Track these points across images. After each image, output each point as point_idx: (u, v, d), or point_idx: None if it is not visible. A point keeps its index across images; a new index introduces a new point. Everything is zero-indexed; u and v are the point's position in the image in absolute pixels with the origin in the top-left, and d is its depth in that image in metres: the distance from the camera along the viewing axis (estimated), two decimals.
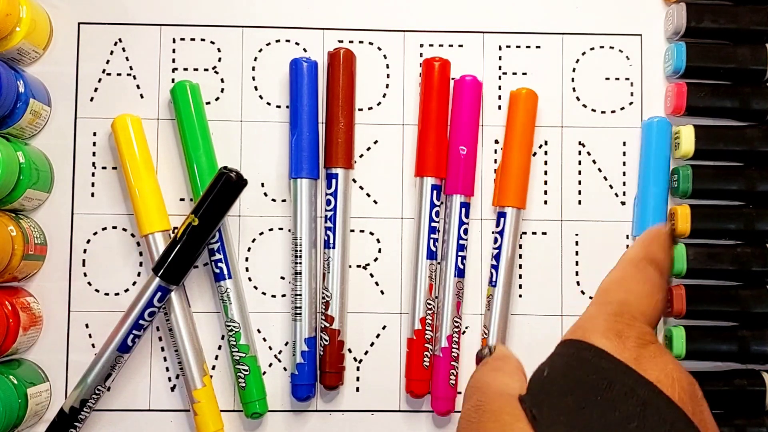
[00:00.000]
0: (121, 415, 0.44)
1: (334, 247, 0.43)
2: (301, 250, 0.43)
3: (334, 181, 0.44)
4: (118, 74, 0.45)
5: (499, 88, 0.45)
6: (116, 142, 0.43)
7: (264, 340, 0.44)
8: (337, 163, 0.43)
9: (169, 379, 0.44)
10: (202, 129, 0.43)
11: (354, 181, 0.45)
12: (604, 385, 0.28)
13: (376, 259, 0.45)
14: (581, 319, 0.31)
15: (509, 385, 0.30)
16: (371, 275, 0.45)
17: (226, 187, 0.41)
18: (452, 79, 0.45)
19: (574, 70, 0.46)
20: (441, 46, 0.45)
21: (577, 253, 0.45)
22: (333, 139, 0.44)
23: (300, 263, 0.43)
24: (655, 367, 0.28)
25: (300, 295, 0.43)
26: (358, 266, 0.45)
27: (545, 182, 0.45)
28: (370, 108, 0.45)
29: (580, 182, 0.45)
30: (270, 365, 0.44)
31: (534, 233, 0.45)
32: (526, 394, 0.29)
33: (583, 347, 0.30)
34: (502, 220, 0.44)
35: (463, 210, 0.44)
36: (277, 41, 0.45)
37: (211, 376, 0.44)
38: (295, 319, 0.43)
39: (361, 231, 0.45)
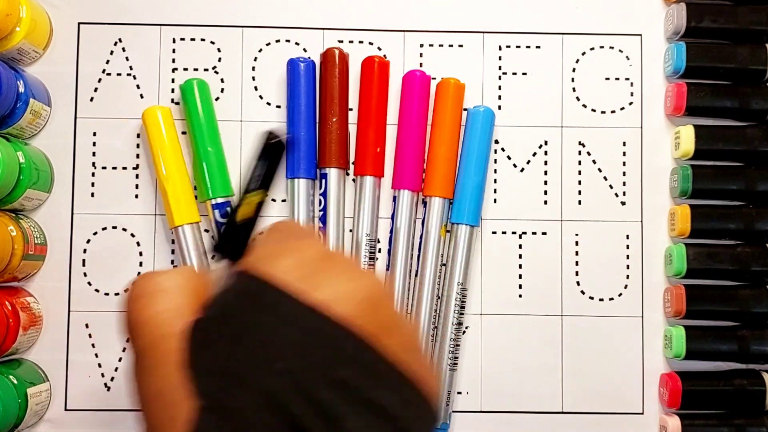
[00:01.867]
0: (121, 415, 0.44)
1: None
2: None
3: (324, 180, 0.43)
4: (118, 74, 0.45)
5: (499, 88, 0.45)
6: (147, 133, 0.43)
7: None
8: (330, 162, 0.43)
9: None
10: (211, 127, 0.43)
11: (354, 181, 0.45)
12: (262, 321, 0.26)
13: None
14: (253, 249, 0.29)
15: (167, 313, 0.27)
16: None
17: (280, 153, 0.41)
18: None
19: (574, 70, 0.46)
20: (441, 46, 0.45)
21: (577, 253, 0.45)
22: (324, 139, 0.43)
23: None
24: (325, 285, 0.27)
25: None
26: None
27: (545, 182, 0.45)
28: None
29: (580, 182, 0.45)
30: None
31: (534, 233, 0.45)
32: (191, 332, 0.27)
33: (249, 278, 0.27)
34: (427, 209, 0.44)
35: (406, 204, 0.43)
36: (277, 41, 0.45)
37: None
38: None
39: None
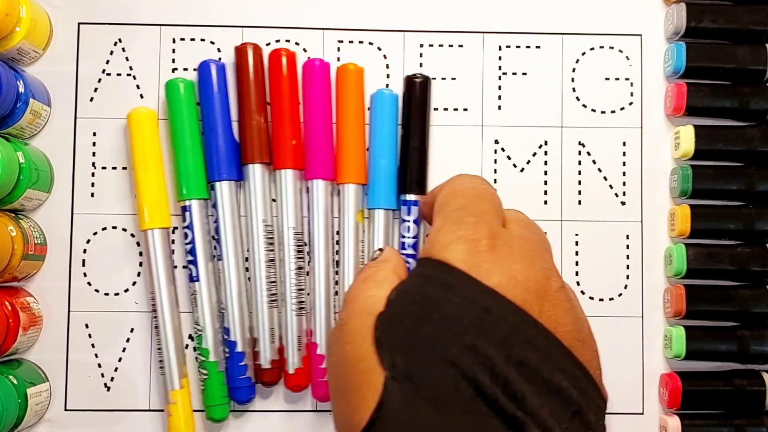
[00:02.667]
0: (121, 415, 0.44)
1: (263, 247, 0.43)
2: (221, 254, 0.43)
3: (251, 178, 0.43)
4: (118, 74, 0.45)
5: (499, 88, 0.45)
6: (129, 134, 0.43)
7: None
8: (252, 159, 0.43)
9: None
10: (192, 128, 0.43)
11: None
12: (443, 300, 0.28)
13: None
14: (430, 234, 0.31)
15: (375, 298, 0.30)
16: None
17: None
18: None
19: (574, 70, 0.46)
20: (441, 46, 0.45)
21: (577, 253, 0.45)
22: (244, 136, 0.43)
23: (224, 269, 0.43)
24: (498, 271, 0.29)
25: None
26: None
27: (545, 182, 0.45)
28: (369, 108, 0.45)
29: (580, 182, 0.45)
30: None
31: None
32: (382, 314, 0.30)
33: (428, 264, 0.30)
34: (342, 196, 0.43)
35: (318, 193, 0.43)
36: (277, 41, 0.45)
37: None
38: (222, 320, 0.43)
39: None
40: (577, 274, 0.45)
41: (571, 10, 0.46)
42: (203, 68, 0.43)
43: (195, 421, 0.43)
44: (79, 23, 0.45)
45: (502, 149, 0.45)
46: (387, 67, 0.45)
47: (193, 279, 0.43)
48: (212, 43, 0.45)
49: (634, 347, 0.45)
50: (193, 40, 0.45)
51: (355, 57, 0.45)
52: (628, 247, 0.45)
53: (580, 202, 0.45)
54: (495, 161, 0.45)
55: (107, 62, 0.45)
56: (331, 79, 0.44)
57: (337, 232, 0.44)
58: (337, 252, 0.44)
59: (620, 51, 0.46)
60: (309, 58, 0.44)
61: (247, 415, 0.44)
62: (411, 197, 0.43)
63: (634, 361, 0.45)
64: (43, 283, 0.44)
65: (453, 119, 0.45)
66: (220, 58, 0.45)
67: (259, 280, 0.43)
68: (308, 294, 0.43)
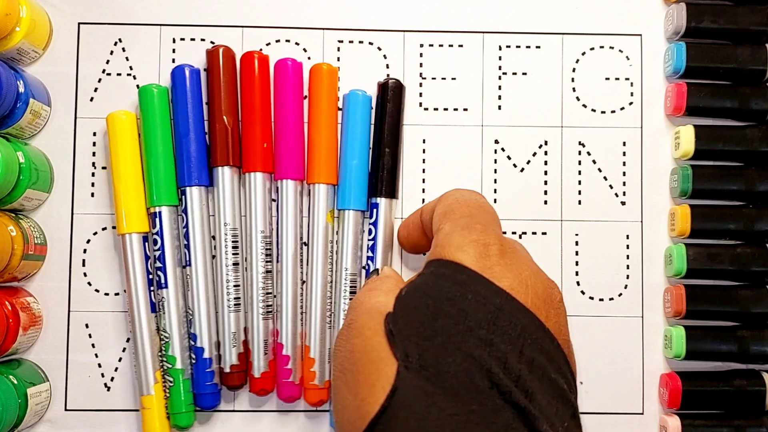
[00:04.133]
0: (121, 415, 0.44)
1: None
2: (189, 260, 0.42)
3: (219, 181, 0.43)
4: (118, 74, 0.45)
5: (499, 88, 0.45)
6: (108, 138, 0.43)
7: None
8: (221, 162, 0.43)
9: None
10: (164, 135, 0.43)
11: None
12: (458, 296, 0.29)
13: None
14: (439, 237, 0.33)
15: (382, 303, 0.32)
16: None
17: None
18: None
19: (574, 70, 0.46)
20: (441, 46, 0.45)
21: (577, 253, 0.45)
22: (214, 139, 0.43)
23: (193, 274, 0.42)
24: (509, 274, 0.30)
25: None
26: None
27: (545, 182, 0.45)
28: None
29: (580, 182, 0.45)
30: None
31: (534, 233, 0.45)
32: (392, 312, 0.31)
33: (441, 264, 0.31)
34: (312, 196, 0.43)
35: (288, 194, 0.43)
36: (277, 41, 0.45)
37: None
38: (188, 324, 0.43)
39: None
40: (577, 274, 0.45)
41: (571, 10, 0.46)
42: (176, 73, 0.43)
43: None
44: (79, 23, 0.45)
45: (502, 149, 0.45)
46: (387, 67, 0.45)
47: (161, 286, 0.42)
48: (212, 43, 0.45)
49: (634, 347, 0.45)
50: (193, 40, 0.45)
51: (355, 57, 0.45)
52: (628, 247, 0.45)
53: (580, 202, 0.45)
54: (495, 161, 0.45)
55: (107, 62, 0.45)
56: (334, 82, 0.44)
57: (301, 238, 0.44)
58: (305, 252, 0.44)
59: (620, 51, 0.46)
60: (283, 58, 0.44)
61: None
62: (380, 200, 0.43)
63: (634, 361, 0.45)
64: (43, 283, 0.44)
65: (453, 119, 0.45)
66: None
67: (224, 284, 0.42)
68: (275, 297, 0.43)
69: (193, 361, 0.43)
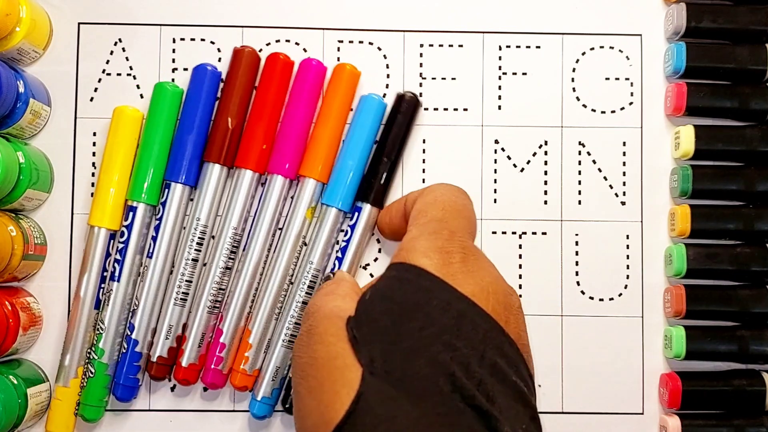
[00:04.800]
0: (121, 415, 0.44)
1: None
2: (152, 252, 0.42)
3: (206, 177, 0.43)
4: (118, 74, 0.45)
5: (499, 88, 0.45)
6: (108, 130, 0.43)
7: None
8: (212, 158, 0.43)
9: (169, 379, 0.44)
10: (164, 135, 0.43)
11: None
12: (422, 301, 0.30)
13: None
14: (405, 241, 0.33)
15: (340, 308, 0.32)
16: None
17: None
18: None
19: (574, 70, 0.46)
20: (441, 46, 0.45)
21: (577, 253, 0.45)
22: (214, 135, 0.43)
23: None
24: (471, 281, 0.31)
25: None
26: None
27: (545, 182, 0.45)
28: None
29: (580, 182, 0.45)
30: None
31: (534, 233, 0.45)
32: (353, 316, 0.31)
33: (405, 268, 0.32)
34: (299, 189, 0.43)
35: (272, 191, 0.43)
36: (277, 41, 0.45)
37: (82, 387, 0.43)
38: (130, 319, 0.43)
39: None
40: (577, 274, 0.45)
41: (571, 10, 0.46)
42: (197, 71, 0.43)
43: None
44: (79, 23, 0.45)
45: (502, 149, 0.45)
46: (387, 67, 0.45)
47: (113, 278, 0.42)
48: (212, 43, 0.45)
49: (634, 347, 0.45)
50: (193, 40, 0.45)
51: (355, 57, 0.45)
52: (628, 247, 0.45)
53: (580, 202, 0.45)
54: (495, 161, 0.45)
55: (107, 62, 0.45)
56: (327, 81, 0.44)
57: (280, 228, 0.43)
58: (274, 242, 0.43)
59: (620, 51, 0.46)
60: (308, 57, 0.44)
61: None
62: (364, 206, 0.43)
63: (634, 361, 0.45)
64: (43, 283, 0.44)
65: (453, 119, 0.45)
66: (219, 59, 0.45)
67: (177, 278, 0.42)
68: (228, 294, 0.43)
69: (124, 350, 0.42)
